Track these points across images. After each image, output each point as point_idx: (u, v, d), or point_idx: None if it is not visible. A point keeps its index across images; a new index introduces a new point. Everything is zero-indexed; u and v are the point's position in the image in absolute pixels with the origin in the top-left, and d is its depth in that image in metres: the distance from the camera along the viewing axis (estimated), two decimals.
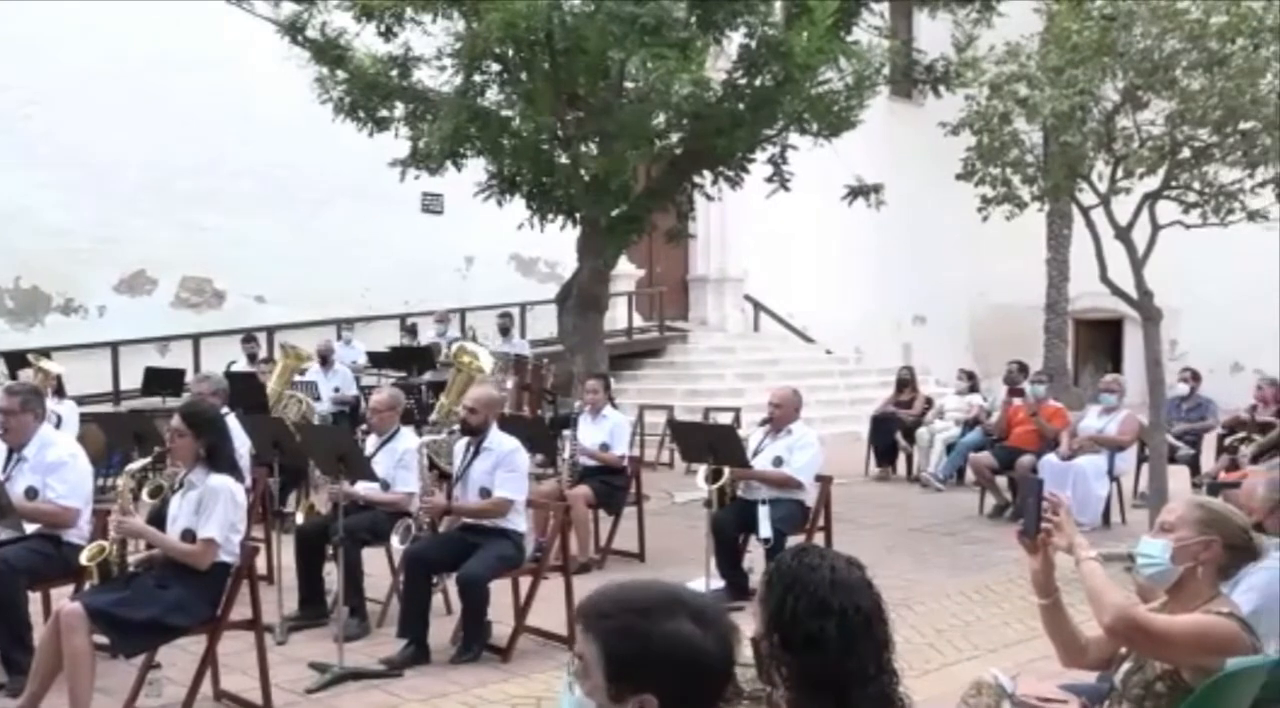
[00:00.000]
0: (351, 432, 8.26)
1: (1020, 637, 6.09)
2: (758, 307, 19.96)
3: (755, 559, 6.99)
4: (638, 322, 18.02)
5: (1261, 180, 8.00)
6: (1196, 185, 8.18)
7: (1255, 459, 8.63)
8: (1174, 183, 8.19)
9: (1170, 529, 3.12)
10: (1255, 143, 7.76)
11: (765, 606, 2.25)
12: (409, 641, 5.67)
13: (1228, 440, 10.07)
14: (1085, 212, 8.62)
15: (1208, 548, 3.05)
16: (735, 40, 10.30)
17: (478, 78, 10.15)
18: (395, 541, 6.07)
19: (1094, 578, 3.07)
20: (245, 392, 9.45)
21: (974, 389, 12.41)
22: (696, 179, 11.21)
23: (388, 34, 10.14)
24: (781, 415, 7.22)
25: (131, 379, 13.02)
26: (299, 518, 6.57)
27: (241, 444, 6.39)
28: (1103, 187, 8.34)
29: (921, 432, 12.12)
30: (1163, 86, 7.88)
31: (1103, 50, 7.91)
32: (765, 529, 6.73)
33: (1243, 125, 7.78)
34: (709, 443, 7.10)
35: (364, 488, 6.21)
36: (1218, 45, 7.70)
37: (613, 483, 8.08)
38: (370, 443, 6.51)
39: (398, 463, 6.29)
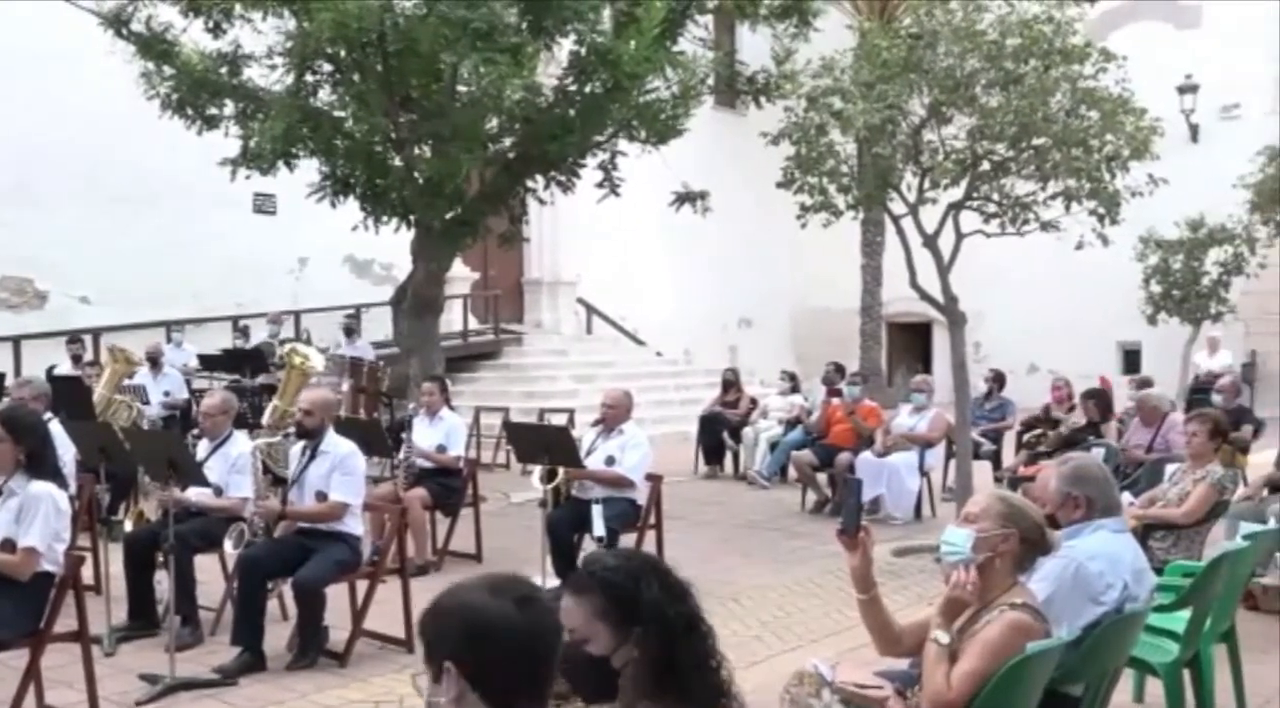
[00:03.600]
0: (182, 436, 8.07)
1: (840, 626, 6.33)
2: (590, 310, 20.21)
3: None
4: (473, 324, 18.00)
5: (1052, 193, 8.41)
6: (995, 197, 8.57)
7: (1050, 455, 9.28)
8: (975, 194, 8.58)
9: (974, 520, 3.31)
10: (1046, 158, 8.19)
11: (625, 606, 2.24)
12: (243, 648, 5.58)
13: (1025, 437, 10.75)
14: (896, 220, 9.00)
15: (1006, 540, 3.25)
16: (565, 47, 10.45)
17: (309, 78, 10.04)
18: (228, 546, 5.97)
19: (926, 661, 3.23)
20: (69, 396, 9.08)
21: (795, 390, 12.90)
22: (529, 183, 11.30)
23: (216, 30, 9.92)
24: (614, 416, 7.37)
25: None
26: (128, 525, 6.40)
27: (65, 450, 6.19)
28: (911, 196, 8.69)
29: (747, 431, 12.51)
30: (964, 103, 8.28)
31: (909, 67, 8.28)
32: (599, 528, 6.86)
33: (1035, 141, 8.19)
34: (544, 444, 7.22)
35: (196, 494, 6.10)
36: (1013, 65, 8.13)
37: (449, 485, 8.11)
38: (202, 448, 6.40)
39: (231, 468, 6.19)
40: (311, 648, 5.70)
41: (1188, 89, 19.74)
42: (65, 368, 12.02)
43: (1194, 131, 19.87)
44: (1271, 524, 6.02)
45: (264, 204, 15.66)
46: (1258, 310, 19.51)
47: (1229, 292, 17.91)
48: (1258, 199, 17.15)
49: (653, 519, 7.31)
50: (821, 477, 10.55)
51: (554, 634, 1.95)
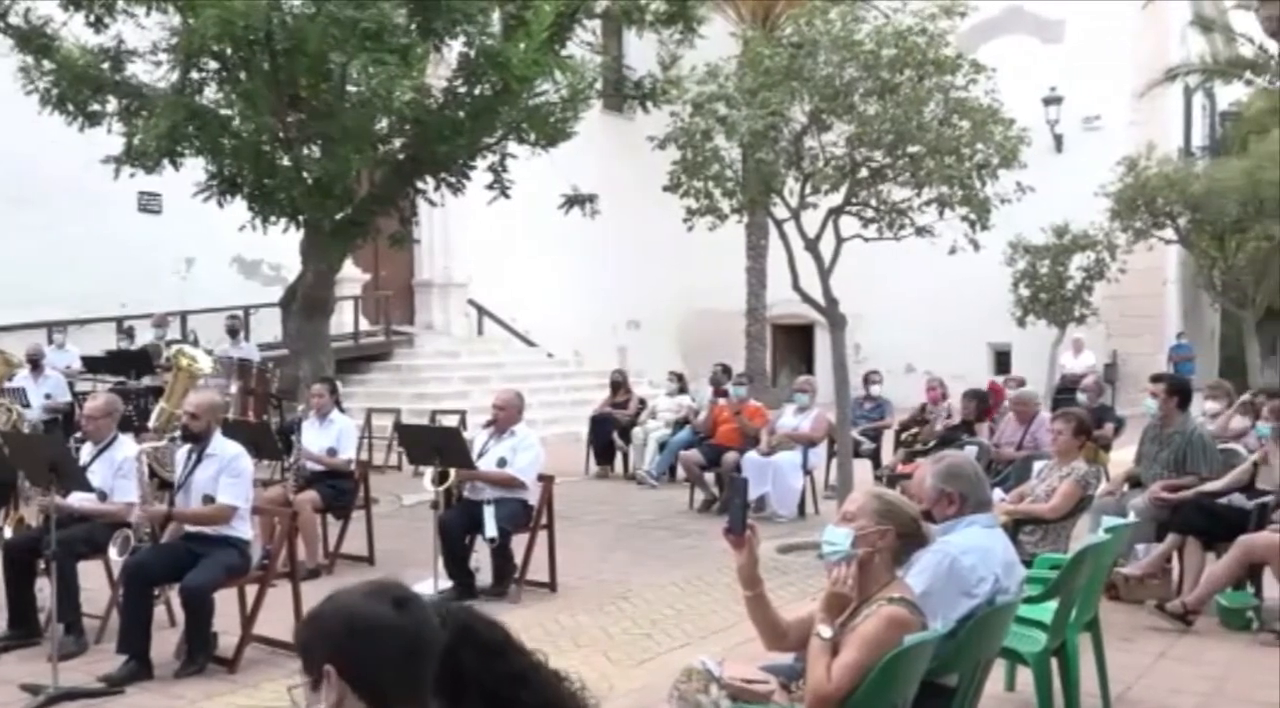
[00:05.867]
0: (65, 440, 7.86)
1: (727, 623, 6.42)
2: (481, 311, 20.16)
3: (482, 559, 7.22)
4: (364, 325, 17.83)
5: (926, 199, 8.69)
6: (873, 202, 8.80)
7: (927, 452, 9.60)
8: (854, 200, 8.81)
9: (852, 519, 3.37)
10: (921, 165, 8.45)
11: (442, 682, 2.04)
12: (130, 656, 5.49)
13: (903, 436, 11.12)
14: (779, 224, 9.20)
15: (884, 536, 3.32)
16: (455, 49, 10.47)
17: (195, 75, 9.90)
18: (113, 552, 5.85)
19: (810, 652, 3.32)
20: None
21: (683, 390, 13.07)
22: (419, 184, 11.29)
23: (98, 24, 9.69)
24: (505, 417, 7.41)
25: None
26: (7, 532, 6.22)
27: None
28: (793, 201, 8.88)
29: (636, 431, 12.65)
30: (843, 111, 8.49)
31: (791, 75, 8.47)
32: (491, 529, 6.93)
33: (910, 149, 8.43)
34: (435, 445, 7.22)
35: (79, 499, 5.96)
36: (889, 75, 8.38)
37: (340, 487, 8.07)
38: (86, 451, 6.26)
39: (116, 472, 6.07)
40: (200, 655, 5.63)
41: (1052, 101, 20.61)
42: None
43: (1058, 141, 20.74)
44: (1131, 518, 6.30)
45: (149, 203, 15.30)
46: (1118, 313, 20.50)
47: (1092, 295, 18.75)
48: (1118, 207, 18.05)
49: (544, 520, 7.36)
50: (709, 476, 10.71)
51: (433, 635, 1.95)
